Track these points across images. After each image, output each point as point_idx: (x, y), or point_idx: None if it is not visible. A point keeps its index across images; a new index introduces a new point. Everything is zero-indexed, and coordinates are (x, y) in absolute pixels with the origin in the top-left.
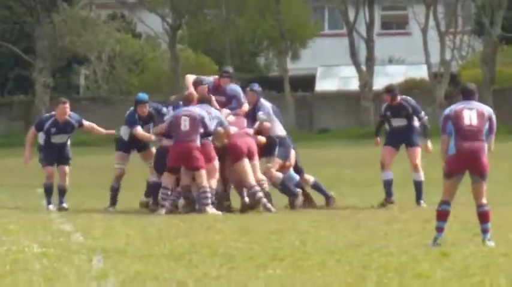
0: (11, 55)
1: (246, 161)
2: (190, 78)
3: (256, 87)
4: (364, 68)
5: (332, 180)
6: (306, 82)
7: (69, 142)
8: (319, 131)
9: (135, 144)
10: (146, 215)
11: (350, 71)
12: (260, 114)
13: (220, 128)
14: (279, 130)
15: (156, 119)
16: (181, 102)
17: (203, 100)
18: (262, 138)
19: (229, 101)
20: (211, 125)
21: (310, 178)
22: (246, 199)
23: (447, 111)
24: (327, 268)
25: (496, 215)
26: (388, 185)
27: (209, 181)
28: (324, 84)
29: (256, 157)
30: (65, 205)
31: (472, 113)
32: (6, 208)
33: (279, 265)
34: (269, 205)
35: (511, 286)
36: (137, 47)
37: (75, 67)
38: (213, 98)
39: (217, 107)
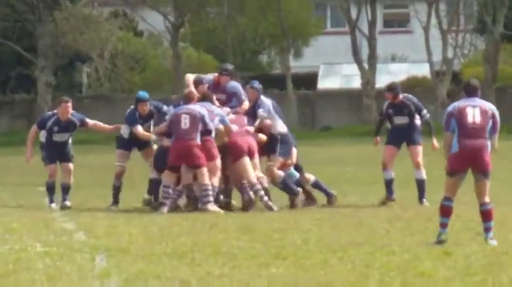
0: (12, 53)
1: (246, 159)
2: (190, 77)
3: (256, 84)
4: (366, 66)
5: (334, 178)
6: (308, 80)
7: (70, 140)
8: (322, 129)
9: (136, 142)
10: (148, 213)
11: (352, 69)
12: (260, 111)
13: (220, 126)
14: (280, 127)
15: (156, 117)
16: (182, 101)
17: (204, 98)
18: (263, 137)
19: (229, 99)
20: (212, 123)
21: (310, 177)
22: (251, 194)
23: (450, 108)
24: (329, 266)
25: (499, 213)
26: (389, 183)
27: (211, 179)
28: (326, 82)
29: (256, 156)
30: (67, 202)
31: (475, 110)
32: (8, 207)
33: (282, 264)
34: (270, 203)
35: None
36: (139, 45)
37: (77, 65)
38: (214, 96)
39: (218, 105)
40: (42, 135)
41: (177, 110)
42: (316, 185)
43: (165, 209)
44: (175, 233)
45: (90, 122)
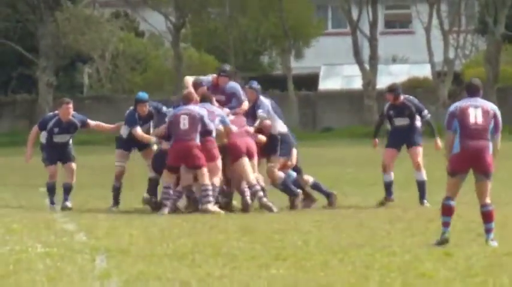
0: (14, 54)
1: (245, 160)
2: (189, 79)
3: (255, 84)
4: (367, 67)
5: (335, 179)
6: (310, 81)
7: (71, 141)
8: (323, 130)
9: (136, 142)
10: (149, 215)
11: (353, 70)
12: (260, 112)
13: (220, 126)
14: (280, 126)
15: (156, 118)
16: (181, 102)
17: (204, 99)
18: (263, 138)
19: (228, 100)
20: (212, 123)
21: (309, 179)
22: (247, 199)
23: (452, 108)
24: (329, 267)
25: (500, 214)
26: (388, 186)
27: (212, 179)
28: (327, 83)
29: (255, 157)
30: (68, 203)
31: (477, 111)
32: (9, 207)
33: (282, 265)
34: (270, 204)
35: None
36: (140, 45)
37: (79, 66)
38: (213, 97)
39: (217, 106)
40: (43, 136)
41: (176, 111)
42: (315, 187)
43: (166, 210)
44: (176, 234)
45: (92, 123)
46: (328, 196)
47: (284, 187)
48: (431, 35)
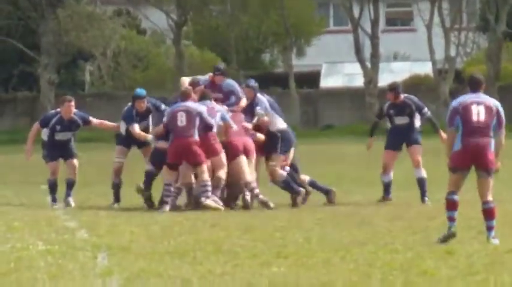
0: (15, 51)
1: (243, 158)
2: (186, 80)
3: (253, 83)
4: (369, 64)
5: (336, 177)
6: (311, 79)
7: (73, 139)
8: (324, 127)
9: (135, 140)
10: (150, 212)
11: (355, 68)
12: (258, 109)
13: (220, 123)
14: (279, 123)
15: (155, 116)
16: (179, 99)
17: (204, 97)
18: (261, 136)
19: (226, 97)
20: (212, 119)
21: (305, 178)
22: (247, 197)
23: (455, 103)
24: (331, 265)
25: (501, 212)
26: (387, 186)
27: (218, 171)
28: (328, 81)
29: (253, 155)
30: (71, 199)
31: (480, 108)
32: (10, 205)
33: (284, 263)
34: (266, 199)
35: None
36: (142, 43)
37: (80, 63)
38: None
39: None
40: (44, 134)
41: (173, 108)
42: (313, 185)
43: (167, 207)
44: (177, 231)
45: (94, 121)
46: (327, 192)
47: (285, 185)
48: (432, 32)
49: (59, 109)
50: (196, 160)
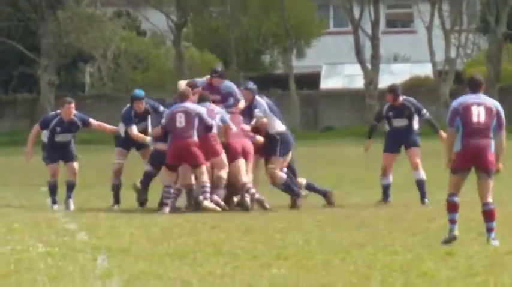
0: (15, 53)
1: (241, 160)
2: (183, 83)
3: (251, 85)
4: (369, 66)
5: (336, 178)
6: (311, 80)
7: (73, 141)
8: (324, 129)
9: (134, 142)
10: (150, 214)
11: (355, 69)
12: (256, 111)
13: (220, 124)
14: (278, 125)
15: (153, 118)
16: (178, 100)
17: (203, 99)
18: (260, 139)
19: (224, 99)
20: (212, 120)
21: (302, 180)
22: (247, 199)
23: (456, 104)
24: (331, 267)
25: (501, 214)
26: (386, 189)
27: (219, 171)
28: (328, 82)
29: (251, 158)
30: (71, 201)
31: (480, 109)
32: (10, 207)
33: (283, 264)
34: (262, 198)
35: None
36: (142, 44)
37: (80, 65)
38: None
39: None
40: (44, 135)
41: (172, 109)
42: (310, 187)
43: (167, 209)
44: (177, 233)
45: (94, 122)
46: (325, 194)
47: (286, 187)
48: (432, 34)
49: (59, 111)
50: (196, 161)
